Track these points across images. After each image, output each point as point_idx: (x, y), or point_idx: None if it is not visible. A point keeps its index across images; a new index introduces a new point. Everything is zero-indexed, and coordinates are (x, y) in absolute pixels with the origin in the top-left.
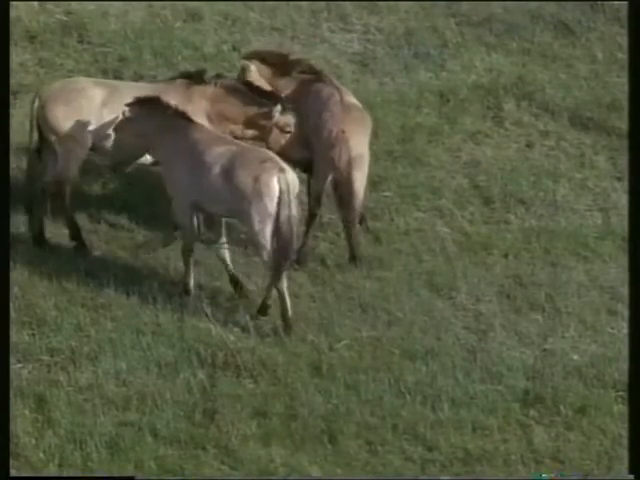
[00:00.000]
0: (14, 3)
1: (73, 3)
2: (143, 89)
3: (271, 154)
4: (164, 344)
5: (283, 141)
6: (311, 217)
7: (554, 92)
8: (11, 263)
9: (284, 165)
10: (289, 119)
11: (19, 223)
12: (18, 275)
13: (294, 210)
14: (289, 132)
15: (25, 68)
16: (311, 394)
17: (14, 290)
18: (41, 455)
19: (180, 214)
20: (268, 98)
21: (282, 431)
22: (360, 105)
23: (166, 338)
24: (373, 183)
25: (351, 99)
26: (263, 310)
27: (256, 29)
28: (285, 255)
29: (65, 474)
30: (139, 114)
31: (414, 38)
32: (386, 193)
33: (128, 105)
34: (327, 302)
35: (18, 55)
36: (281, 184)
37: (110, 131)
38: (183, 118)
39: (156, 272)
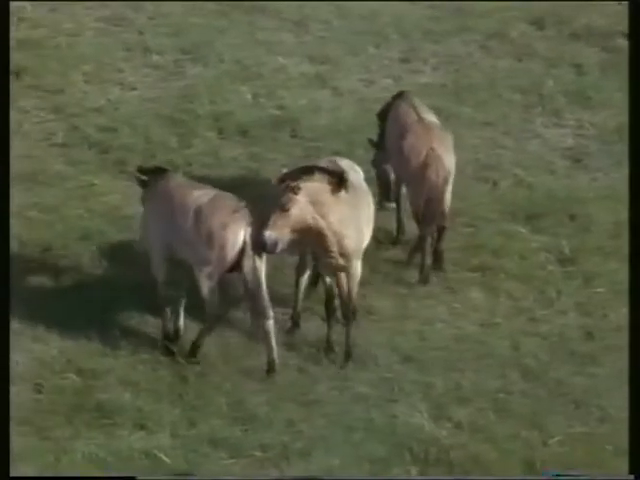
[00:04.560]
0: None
1: (286, 97)
2: None
3: (244, 205)
4: (376, 440)
5: None
6: (421, 239)
7: None
8: (222, 358)
9: (253, 219)
10: None
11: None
12: (230, 370)
13: (258, 262)
14: None
15: (237, 162)
16: None
17: (226, 386)
18: None
19: (155, 263)
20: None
21: None
22: (438, 121)
23: (378, 434)
24: (585, 279)
25: (429, 116)
26: (192, 351)
27: (468, 124)
28: (255, 306)
29: None
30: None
31: (627, 133)
32: (598, 289)
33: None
34: (539, 398)
35: (230, 149)
36: (246, 236)
37: None
38: (161, 171)
39: (366, 368)
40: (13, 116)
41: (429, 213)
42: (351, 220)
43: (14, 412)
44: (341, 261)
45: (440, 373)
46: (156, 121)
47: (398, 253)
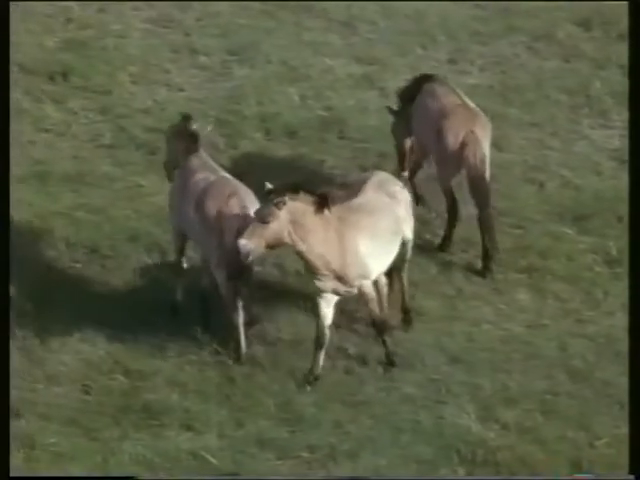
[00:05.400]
0: None
1: (334, 98)
2: None
3: (241, 189)
4: (423, 441)
5: None
6: (452, 214)
7: None
8: (269, 359)
9: (248, 203)
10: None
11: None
12: (277, 373)
13: None
14: None
15: (284, 163)
16: None
17: (273, 387)
18: None
19: (172, 237)
20: None
21: None
22: (478, 109)
23: (425, 435)
24: None
25: (470, 102)
26: (236, 356)
27: (515, 124)
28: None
29: None
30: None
31: None
32: None
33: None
34: (586, 399)
35: (278, 150)
36: (240, 222)
37: None
38: (189, 152)
39: (413, 369)
40: (61, 117)
41: (479, 193)
42: (342, 242)
43: (62, 413)
44: (336, 284)
45: (487, 374)
46: (203, 122)
47: (445, 254)
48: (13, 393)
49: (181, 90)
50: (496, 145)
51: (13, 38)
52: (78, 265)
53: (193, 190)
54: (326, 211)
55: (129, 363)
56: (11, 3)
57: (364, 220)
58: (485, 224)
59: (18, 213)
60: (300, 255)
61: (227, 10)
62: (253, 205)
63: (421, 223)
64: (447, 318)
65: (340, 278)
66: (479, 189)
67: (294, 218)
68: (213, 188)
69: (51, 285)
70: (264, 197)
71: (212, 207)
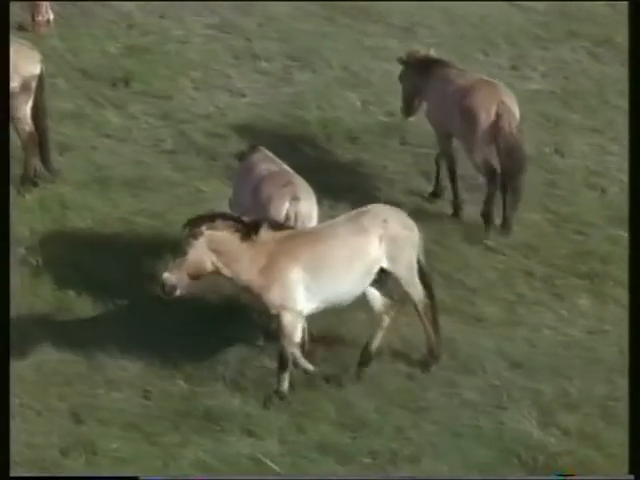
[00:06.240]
0: None
1: (395, 103)
2: None
3: (296, 180)
4: (484, 447)
5: None
6: (490, 196)
7: None
8: (329, 363)
9: (302, 194)
10: None
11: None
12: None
13: None
14: None
15: (345, 169)
16: None
17: (330, 392)
18: None
19: None
20: None
21: None
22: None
23: (486, 441)
24: None
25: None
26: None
27: (577, 129)
28: None
29: None
30: None
31: None
32: None
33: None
34: None
35: (339, 156)
36: (289, 211)
37: None
38: (253, 148)
39: (474, 375)
40: (122, 122)
41: (512, 163)
42: (272, 268)
43: (123, 418)
44: (263, 308)
45: (548, 380)
46: (264, 127)
47: (506, 259)
48: (75, 398)
49: (242, 95)
50: (558, 150)
51: (76, 43)
52: (136, 270)
53: (253, 178)
54: (256, 237)
55: (189, 368)
56: (72, 3)
57: (308, 247)
58: (516, 194)
59: (79, 219)
60: (233, 281)
61: (287, 15)
62: (307, 199)
63: (479, 227)
64: (508, 323)
65: (262, 302)
66: (515, 156)
67: (215, 247)
68: (271, 177)
69: (112, 290)
70: (182, 230)
71: (265, 193)
